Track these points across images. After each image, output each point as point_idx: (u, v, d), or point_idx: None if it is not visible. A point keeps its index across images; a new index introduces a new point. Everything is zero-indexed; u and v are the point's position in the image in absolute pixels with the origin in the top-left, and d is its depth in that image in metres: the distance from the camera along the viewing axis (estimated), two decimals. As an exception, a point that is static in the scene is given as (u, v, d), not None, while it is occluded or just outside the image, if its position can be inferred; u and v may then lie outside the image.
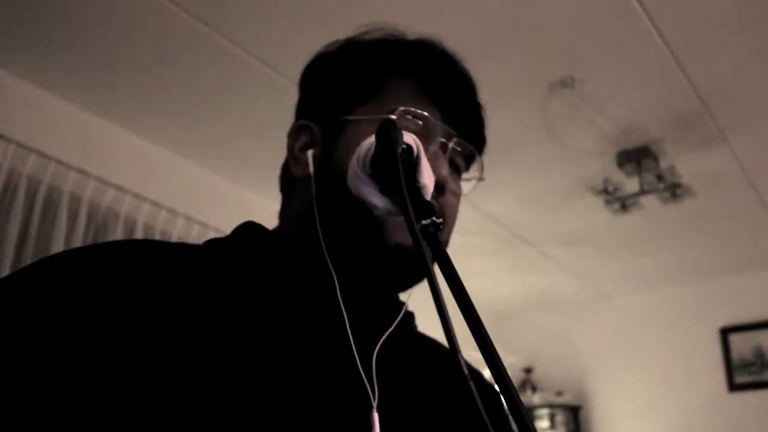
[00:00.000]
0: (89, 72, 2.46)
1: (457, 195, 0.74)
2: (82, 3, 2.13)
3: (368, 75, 0.73)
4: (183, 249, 0.68)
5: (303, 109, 0.78)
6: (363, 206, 0.66)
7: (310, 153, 0.72)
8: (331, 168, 0.69)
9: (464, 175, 0.77)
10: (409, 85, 0.72)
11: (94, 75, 2.48)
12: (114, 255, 0.63)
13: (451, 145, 0.72)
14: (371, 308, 0.71)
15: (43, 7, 2.15)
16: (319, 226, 0.69)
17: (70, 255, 0.63)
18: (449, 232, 0.74)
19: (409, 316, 0.79)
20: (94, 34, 2.27)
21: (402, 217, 0.61)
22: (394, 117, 0.68)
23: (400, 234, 0.66)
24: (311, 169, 0.71)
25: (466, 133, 0.74)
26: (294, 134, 0.75)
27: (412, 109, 0.70)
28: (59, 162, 2.52)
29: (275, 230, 0.76)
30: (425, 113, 0.70)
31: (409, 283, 0.73)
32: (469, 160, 0.76)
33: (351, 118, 0.71)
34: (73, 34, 2.27)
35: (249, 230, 0.74)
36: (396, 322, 0.72)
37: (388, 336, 0.70)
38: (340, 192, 0.67)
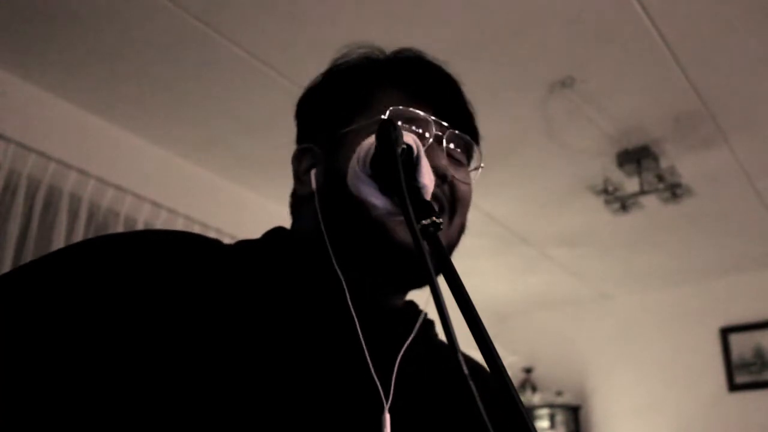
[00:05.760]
0: (89, 72, 2.46)
1: (467, 183, 0.77)
2: (82, 3, 2.13)
3: (358, 89, 0.77)
4: (212, 246, 0.70)
5: (302, 136, 0.82)
6: (365, 207, 0.67)
7: (313, 172, 0.76)
8: (334, 178, 0.72)
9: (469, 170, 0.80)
10: (399, 92, 0.76)
11: (94, 75, 2.48)
12: (140, 248, 0.65)
13: (445, 136, 0.75)
14: (386, 314, 0.73)
15: (43, 7, 2.15)
16: (325, 235, 0.71)
17: (91, 246, 0.65)
18: (464, 215, 0.77)
19: (429, 324, 0.81)
20: (94, 34, 2.26)
21: (402, 217, 0.62)
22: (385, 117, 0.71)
23: (404, 232, 0.68)
24: (314, 185, 0.74)
25: (458, 126, 0.77)
26: (297, 158, 0.79)
27: (403, 107, 0.73)
28: (59, 162, 2.52)
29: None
30: (418, 111, 0.74)
31: (416, 283, 0.75)
32: (467, 153, 0.79)
33: (347, 129, 0.74)
34: (73, 34, 2.27)
35: (277, 237, 0.76)
36: (416, 328, 0.73)
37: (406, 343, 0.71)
38: (342, 197, 0.70)
